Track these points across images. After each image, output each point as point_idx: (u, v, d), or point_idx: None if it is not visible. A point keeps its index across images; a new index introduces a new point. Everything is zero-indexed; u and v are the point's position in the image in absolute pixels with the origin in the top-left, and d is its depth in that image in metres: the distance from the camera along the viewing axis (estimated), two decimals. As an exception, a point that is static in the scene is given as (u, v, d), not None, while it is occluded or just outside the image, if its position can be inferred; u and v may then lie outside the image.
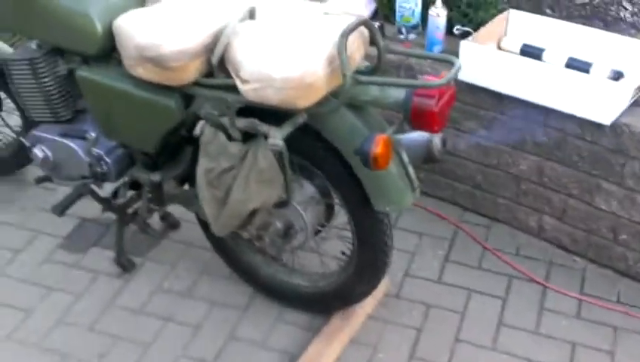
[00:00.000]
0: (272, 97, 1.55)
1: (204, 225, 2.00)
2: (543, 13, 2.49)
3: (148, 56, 1.65)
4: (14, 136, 2.48)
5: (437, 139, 1.77)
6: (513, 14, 2.33)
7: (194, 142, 1.77)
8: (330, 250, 2.09)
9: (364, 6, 2.59)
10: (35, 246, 2.35)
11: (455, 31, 2.34)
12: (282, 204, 1.78)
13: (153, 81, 1.71)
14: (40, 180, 2.16)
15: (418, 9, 2.36)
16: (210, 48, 1.65)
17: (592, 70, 2.12)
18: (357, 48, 1.64)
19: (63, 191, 2.11)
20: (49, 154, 2.03)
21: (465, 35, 2.29)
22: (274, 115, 1.64)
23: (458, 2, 2.38)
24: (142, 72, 1.70)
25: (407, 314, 2.12)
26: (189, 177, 1.93)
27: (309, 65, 1.52)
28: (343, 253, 1.99)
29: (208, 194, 1.73)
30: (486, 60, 2.15)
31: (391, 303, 2.15)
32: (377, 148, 1.49)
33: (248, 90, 1.57)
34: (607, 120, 2.02)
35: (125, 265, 2.24)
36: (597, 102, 2.01)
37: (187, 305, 2.16)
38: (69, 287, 2.21)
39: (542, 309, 2.14)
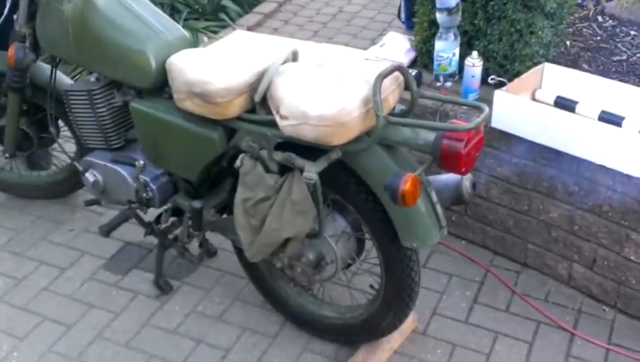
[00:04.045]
0: (307, 134, 1.66)
1: (240, 253, 2.09)
2: (580, 68, 2.55)
3: (196, 92, 1.79)
4: (69, 161, 2.64)
5: (467, 182, 1.85)
6: (548, 67, 2.40)
7: (234, 174, 1.88)
8: (360, 283, 2.16)
9: (404, 54, 2.71)
10: (81, 266, 2.48)
11: (490, 80, 2.43)
12: (314, 235, 1.87)
13: (199, 115, 1.84)
14: (89, 203, 2.30)
15: (455, 58, 2.46)
16: (254, 87, 1.78)
17: (624, 124, 2.17)
18: (392, 92, 1.74)
19: (110, 214, 2.24)
20: (99, 178, 2.17)
21: (500, 85, 2.37)
22: (310, 150, 1.75)
23: (495, 54, 2.47)
24: (190, 105, 1.84)
25: (432, 352, 2.16)
26: (228, 206, 2.03)
27: (344, 105, 1.62)
28: (372, 287, 2.05)
29: (244, 221, 1.83)
30: (520, 110, 2.21)
31: (417, 340, 2.19)
32: (405, 185, 1.57)
33: (286, 126, 1.69)
34: (637, 172, 2.06)
35: (163, 287, 2.34)
36: (628, 155, 2.05)
37: (219, 328, 2.24)
38: (108, 305, 2.32)
39: (568, 356, 2.15)
